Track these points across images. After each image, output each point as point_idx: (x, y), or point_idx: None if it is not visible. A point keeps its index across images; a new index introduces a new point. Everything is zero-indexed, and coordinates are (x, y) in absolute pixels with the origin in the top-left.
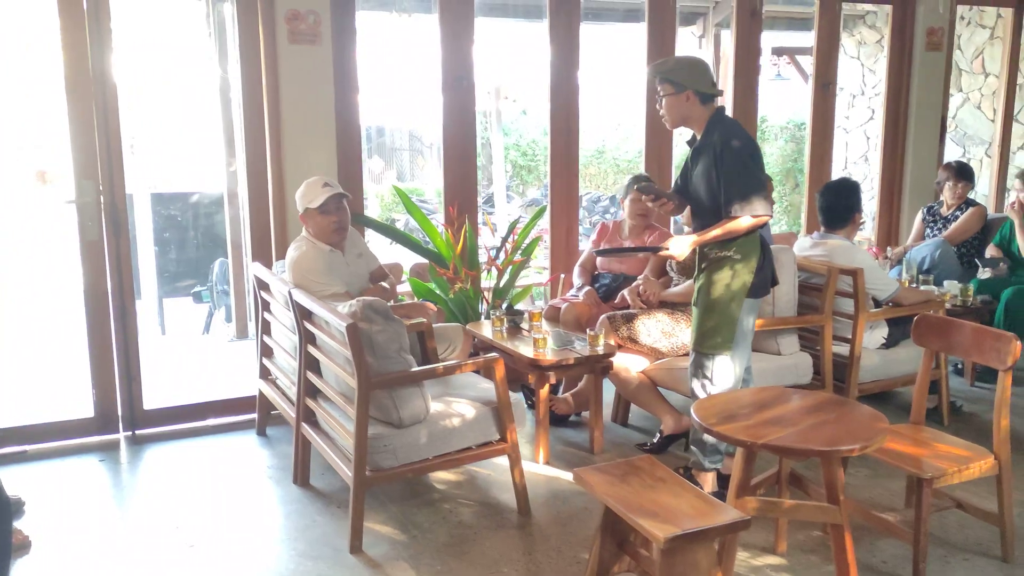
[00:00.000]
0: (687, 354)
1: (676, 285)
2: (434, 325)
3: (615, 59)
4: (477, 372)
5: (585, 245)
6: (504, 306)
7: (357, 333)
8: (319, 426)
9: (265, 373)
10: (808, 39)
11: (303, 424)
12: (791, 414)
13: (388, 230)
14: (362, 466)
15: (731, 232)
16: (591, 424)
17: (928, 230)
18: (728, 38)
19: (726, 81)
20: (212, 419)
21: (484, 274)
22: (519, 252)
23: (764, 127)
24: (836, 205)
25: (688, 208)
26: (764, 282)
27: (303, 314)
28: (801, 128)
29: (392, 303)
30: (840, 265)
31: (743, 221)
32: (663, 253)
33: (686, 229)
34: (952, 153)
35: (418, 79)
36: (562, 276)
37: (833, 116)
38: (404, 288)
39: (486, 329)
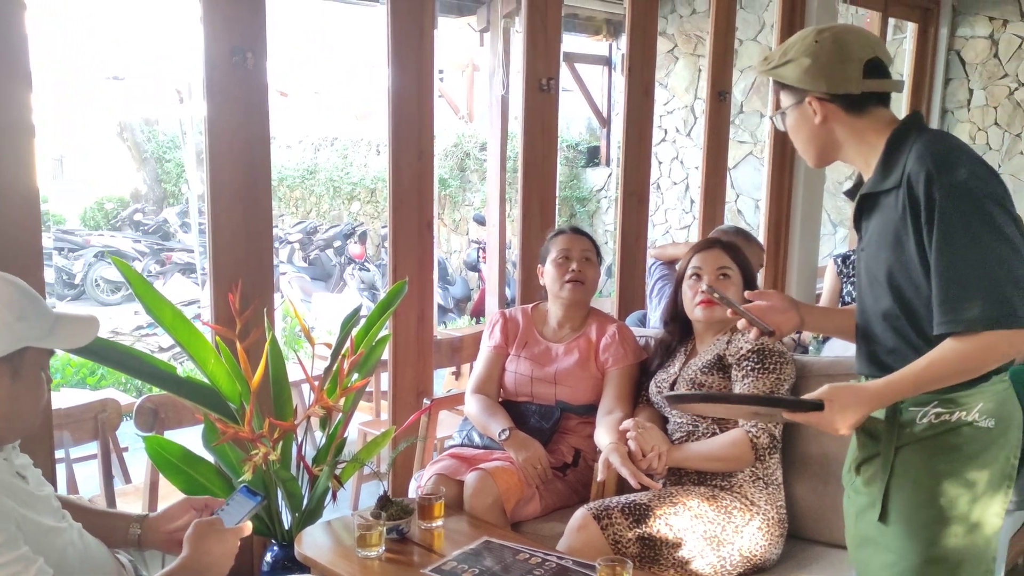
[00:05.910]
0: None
1: (685, 431)
2: None
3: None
4: None
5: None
6: (380, 497)
7: None
8: None
9: None
10: (591, 45)
11: None
12: None
13: (106, 354)
14: None
15: (959, 370)
16: None
17: (850, 288)
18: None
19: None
20: None
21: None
22: (357, 369)
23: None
24: None
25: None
26: None
27: None
28: (576, 148)
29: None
30: None
31: (995, 346)
32: (812, 418)
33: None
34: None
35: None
36: (425, 402)
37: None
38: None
39: (339, 561)
